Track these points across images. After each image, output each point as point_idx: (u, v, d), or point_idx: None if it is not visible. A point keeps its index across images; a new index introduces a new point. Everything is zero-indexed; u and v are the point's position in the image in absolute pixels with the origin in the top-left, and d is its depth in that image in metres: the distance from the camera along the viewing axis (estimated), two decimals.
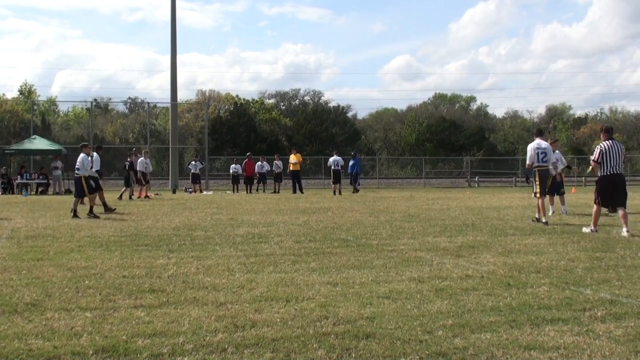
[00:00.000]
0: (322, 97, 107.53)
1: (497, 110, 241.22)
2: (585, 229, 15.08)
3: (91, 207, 19.36)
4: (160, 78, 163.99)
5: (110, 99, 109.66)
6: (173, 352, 5.44)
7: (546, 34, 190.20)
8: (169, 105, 51.36)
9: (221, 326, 6.23)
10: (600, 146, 14.84)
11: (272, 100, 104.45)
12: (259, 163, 40.59)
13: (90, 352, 5.42)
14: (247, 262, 10.26)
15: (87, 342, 5.68)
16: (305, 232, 14.79)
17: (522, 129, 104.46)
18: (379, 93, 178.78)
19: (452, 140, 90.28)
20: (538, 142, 17.54)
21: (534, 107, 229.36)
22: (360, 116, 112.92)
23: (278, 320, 6.47)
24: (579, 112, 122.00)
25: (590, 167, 15.33)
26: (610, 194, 14.92)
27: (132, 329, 6.11)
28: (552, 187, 19.69)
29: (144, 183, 31.39)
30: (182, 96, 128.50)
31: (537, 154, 17.37)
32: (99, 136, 75.23)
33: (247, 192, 38.73)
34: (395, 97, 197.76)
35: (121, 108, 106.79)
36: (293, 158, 37.68)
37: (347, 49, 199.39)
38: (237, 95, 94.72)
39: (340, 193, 35.87)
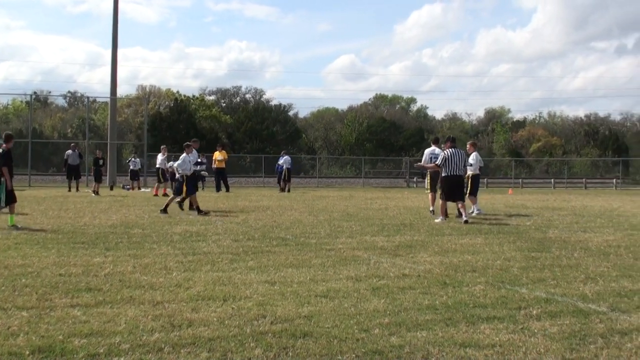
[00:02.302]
0: (264, 95, 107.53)
1: (437, 112, 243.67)
2: (436, 220, 17.59)
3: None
4: (102, 72, 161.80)
5: (50, 92, 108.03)
6: (109, 352, 5.37)
7: (490, 38, 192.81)
8: (108, 100, 50.64)
9: (158, 325, 6.17)
10: (444, 153, 17.93)
11: (212, 97, 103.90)
12: (199, 160, 40.14)
13: (27, 352, 5.33)
14: (185, 260, 10.19)
15: (23, 342, 5.59)
16: (243, 230, 14.74)
17: (460, 131, 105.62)
18: (321, 92, 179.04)
19: (392, 141, 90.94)
20: (432, 149, 20.54)
21: (474, 110, 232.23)
22: (301, 115, 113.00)
23: (215, 319, 6.43)
24: (517, 116, 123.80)
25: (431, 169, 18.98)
26: (453, 191, 17.83)
27: (68, 329, 6.02)
28: (471, 188, 20.93)
29: (162, 180, 31.43)
30: (123, 91, 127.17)
31: (431, 158, 20.04)
32: (38, 130, 74.03)
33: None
34: (338, 97, 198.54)
35: (61, 102, 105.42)
36: (218, 155, 36.85)
37: (292, 47, 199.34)
38: (177, 91, 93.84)
39: (289, 191, 36.65)
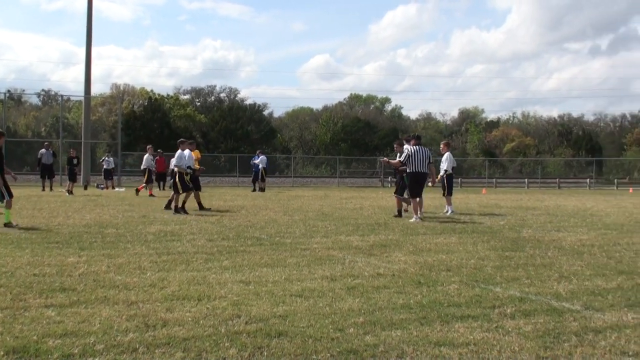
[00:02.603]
0: (239, 95, 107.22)
1: (412, 112, 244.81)
2: (411, 220, 17.63)
3: None
4: (76, 70, 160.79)
5: (24, 90, 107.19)
6: (84, 353, 5.32)
7: (464, 39, 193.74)
8: (82, 98, 50.31)
9: (132, 326, 6.13)
10: (408, 150, 18.20)
11: (187, 97, 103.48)
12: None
13: (1, 353, 5.27)
14: (159, 260, 10.13)
15: None
16: (218, 230, 14.69)
17: (435, 131, 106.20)
18: (296, 92, 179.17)
19: (366, 141, 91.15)
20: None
21: (448, 110, 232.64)
22: (276, 114, 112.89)
23: (190, 319, 6.40)
24: (491, 116, 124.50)
25: (394, 165, 19.20)
26: (417, 187, 18.11)
27: (42, 329, 5.96)
28: (448, 186, 21.35)
29: (151, 180, 32.06)
30: (97, 89, 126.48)
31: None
32: (11, 129, 73.41)
33: (160, 190, 38.23)
34: (312, 97, 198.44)
35: (34, 100, 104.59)
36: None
37: (266, 46, 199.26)
38: (151, 90, 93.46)
39: (264, 190, 36.80)
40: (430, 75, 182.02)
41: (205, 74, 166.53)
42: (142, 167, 33.01)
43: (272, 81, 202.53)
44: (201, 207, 20.77)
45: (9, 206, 15.24)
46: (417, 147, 18.24)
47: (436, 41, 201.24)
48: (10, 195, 15.28)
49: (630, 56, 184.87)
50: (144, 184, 31.50)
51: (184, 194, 20.06)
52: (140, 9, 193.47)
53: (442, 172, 21.53)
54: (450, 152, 21.95)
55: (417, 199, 18.04)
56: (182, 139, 21.18)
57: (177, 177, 20.01)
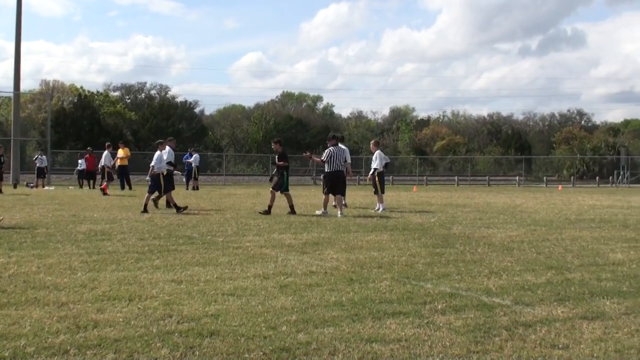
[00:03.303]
0: (169, 92, 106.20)
1: (343, 110, 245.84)
2: (317, 212, 19.21)
3: None
4: (5, 66, 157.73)
5: None
6: (15, 356, 5.23)
7: (395, 38, 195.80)
8: (11, 94, 49.27)
9: (63, 327, 6.04)
10: (330, 150, 19.07)
11: (117, 93, 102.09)
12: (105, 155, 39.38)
13: None
14: (90, 260, 9.99)
15: None
16: (149, 229, 14.55)
17: (366, 129, 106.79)
18: (228, 89, 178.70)
19: (299, 139, 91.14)
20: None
21: (379, 109, 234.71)
22: (208, 112, 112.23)
23: (121, 319, 6.34)
24: (422, 115, 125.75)
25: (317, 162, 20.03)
26: (335, 185, 19.12)
27: None
28: (380, 184, 21.63)
29: (111, 179, 32.20)
30: (27, 86, 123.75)
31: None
32: None
33: (89, 188, 37.66)
34: (245, 94, 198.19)
35: None
36: (121, 152, 36.32)
37: (198, 43, 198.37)
38: (81, 87, 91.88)
39: (196, 189, 36.67)
40: (361, 73, 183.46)
41: (136, 71, 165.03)
42: (100, 165, 32.72)
43: (204, 79, 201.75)
44: (177, 208, 20.71)
45: None
46: (337, 147, 19.26)
47: (367, 40, 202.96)
48: None
49: (559, 57, 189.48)
50: (106, 182, 31.19)
51: (159, 194, 20.52)
52: (71, 4, 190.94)
53: (372, 171, 21.86)
54: (381, 150, 22.13)
55: (329, 196, 19.24)
56: (160, 140, 21.52)
57: (160, 178, 20.20)
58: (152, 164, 20.33)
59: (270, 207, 19.15)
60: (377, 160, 21.62)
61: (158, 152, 20.49)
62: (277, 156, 19.87)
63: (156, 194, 20.35)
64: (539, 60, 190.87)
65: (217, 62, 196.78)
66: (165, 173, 20.32)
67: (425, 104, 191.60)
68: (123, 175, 36.01)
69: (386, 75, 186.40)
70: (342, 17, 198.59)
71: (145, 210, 19.14)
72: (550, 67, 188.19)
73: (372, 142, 23.32)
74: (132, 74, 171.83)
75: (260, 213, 18.92)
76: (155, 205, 20.64)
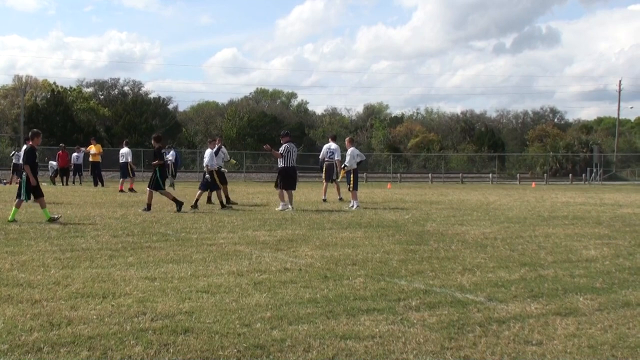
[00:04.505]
0: (143, 88, 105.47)
1: (318, 107, 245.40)
2: (277, 208, 19.86)
3: None
4: None
5: None
6: None
7: (370, 35, 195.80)
8: None
9: (37, 325, 6.00)
10: (286, 146, 19.96)
11: (90, 89, 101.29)
12: (75, 154, 39.01)
13: None
14: (63, 257, 9.93)
15: None
16: (123, 226, 14.48)
17: (340, 126, 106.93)
18: (202, 86, 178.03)
19: (273, 136, 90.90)
20: (330, 144, 24.14)
21: (353, 106, 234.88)
22: (181, 108, 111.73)
23: (94, 317, 6.31)
24: (396, 112, 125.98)
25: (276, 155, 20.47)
26: (289, 181, 20.01)
27: None
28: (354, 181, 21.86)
29: (131, 175, 31.95)
30: (0, 81, 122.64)
31: (327, 152, 23.94)
32: None
33: (63, 184, 37.38)
34: (218, 91, 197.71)
35: None
36: (93, 149, 36.05)
37: (173, 39, 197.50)
38: (54, 83, 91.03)
39: (172, 186, 36.11)
40: (336, 70, 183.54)
41: (110, 67, 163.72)
42: (121, 162, 32.37)
43: (178, 75, 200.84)
44: (227, 201, 21.38)
45: (42, 205, 15.48)
46: (290, 143, 20.28)
47: (343, 37, 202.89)
48: (40, 195, 15.60)
49: (533, 55, 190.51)
50: (130, 178, 31.45)
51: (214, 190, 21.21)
52: None
53: (342, 165, 22.34)
54: (355, 147, 22.25)
55: (285, 191, 19.94)
56: (210, 139, 22.50)
57: (214, 174, 20.71)
58: (206, 162, 20.80)
59: (149, 205, 18.76)
60: (349, 157, 21.72)
61: (208, 150, 20.97)
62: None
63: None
64: (514, 58, 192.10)
65: (192, 58, 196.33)
66: (217, 169, 20.85)
67: (400, 101, 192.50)
68: (95, 171, 35.77)
69: (361, 73, 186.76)
70: (317, 14, 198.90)
71: (195, 206, 19.72)
72: (525, 65, 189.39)
73: (346, 139, 23.61)
74: (107, 69, 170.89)
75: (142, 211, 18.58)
76: (209, 201, 21.67)
